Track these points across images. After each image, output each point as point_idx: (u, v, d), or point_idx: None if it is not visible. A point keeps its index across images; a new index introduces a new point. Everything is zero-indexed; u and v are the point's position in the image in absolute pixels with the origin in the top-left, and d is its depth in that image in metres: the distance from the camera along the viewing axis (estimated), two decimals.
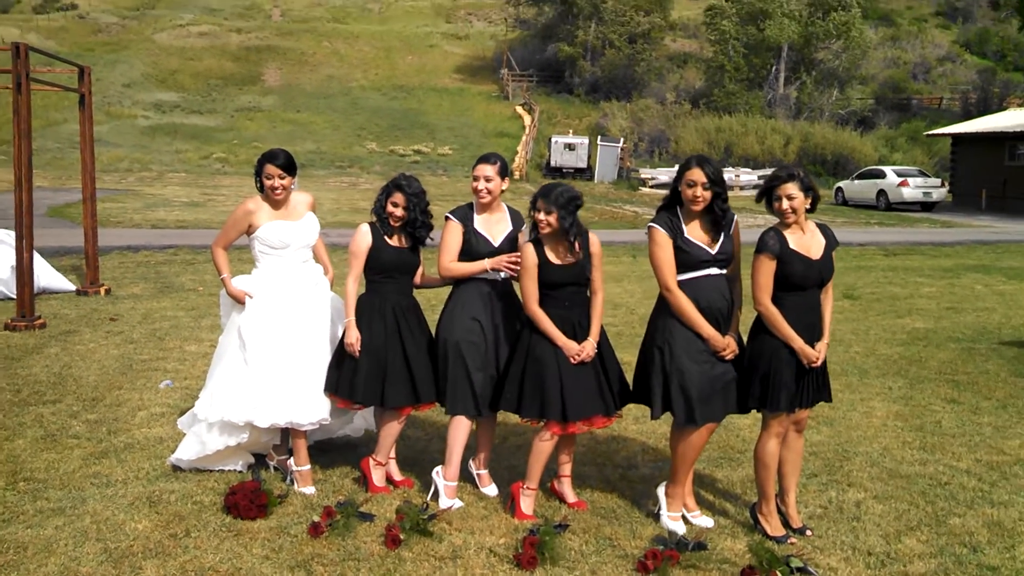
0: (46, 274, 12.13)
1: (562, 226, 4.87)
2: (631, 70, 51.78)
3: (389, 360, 5.22)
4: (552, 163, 40.35)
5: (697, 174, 4.71)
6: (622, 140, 41.46)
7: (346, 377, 5.26)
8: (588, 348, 4.90)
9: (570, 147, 40.26)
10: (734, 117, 43.64)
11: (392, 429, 5.36)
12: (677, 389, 4.73)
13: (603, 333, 5.04)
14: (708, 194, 4.71)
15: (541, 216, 4.89)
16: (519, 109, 52.40)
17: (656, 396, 4.81)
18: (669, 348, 4.76)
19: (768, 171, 38.62)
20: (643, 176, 38.09)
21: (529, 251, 4.93)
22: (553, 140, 41.00)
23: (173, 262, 15.50)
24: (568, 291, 4.93)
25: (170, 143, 44.31)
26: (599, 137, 41.39)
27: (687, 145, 41.29)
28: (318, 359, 5.41)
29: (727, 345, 4.76)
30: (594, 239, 5.01)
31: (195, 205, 26.30)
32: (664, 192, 35.50)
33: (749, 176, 37.69)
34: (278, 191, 5.42)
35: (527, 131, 46.25)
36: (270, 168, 5.38)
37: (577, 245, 4.90)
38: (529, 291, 4.92)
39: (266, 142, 42.38)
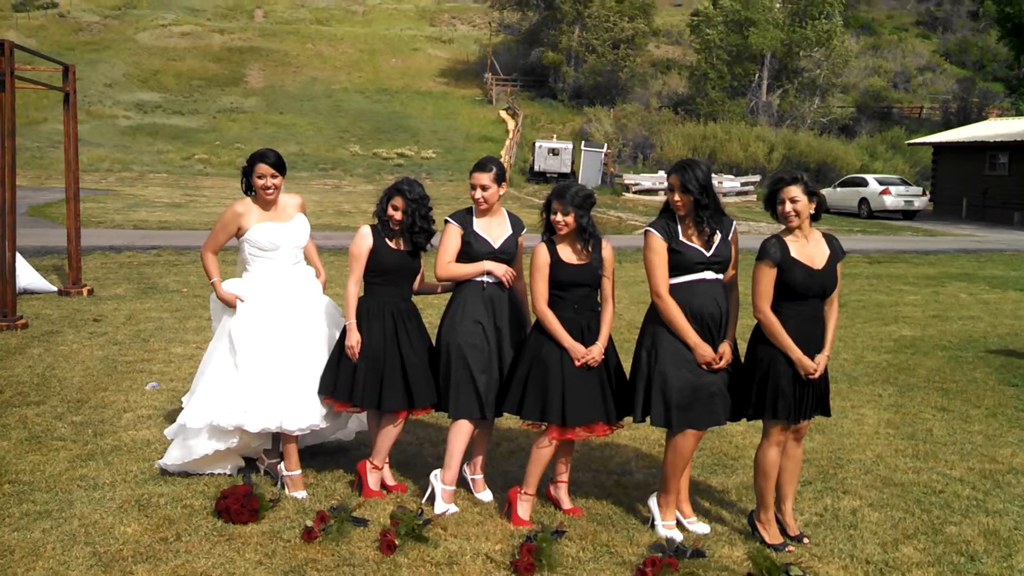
0: (27, 274, 11.96)
1: (579, 224, 4.86)
2: (615, 76, 51.87)
3: (387, 363, 5.18)
4: (536, 168, 40.30)
5: (673, 179, 4.76)
6: (606, 146, 41.48)
7: (344, 380, 5.20)
8: (595, 352, 4.86)
9: (554, 152, 40.24)
10: (718, 124, 43.80)
11: (390, 433, 5.30)
12: (658, 393, 4.73)
13: (611, 342, 5.01)
14: (685, 199, 4.71)
15: (558, 217, 4.87)
16: (503, 113, 52.38)
17: (638, 399, 4.82)
18: (655, 352, 4.76)
19: (751, 178, 38.79)
20: (627, 182, 38.13)
21: (542, 250, 4.91)
22: (537, 145, 40.94)
23: (156, 263, 15.35)
24: (579, 293, 4.90)
25: (151, 143, 43.98)
26: (583, 142, 41.37)
27: (672, 151, 41.35)
28: (310, 363, 5.35)
29: (715, 358, 4.74)
30: (607, 245, 4.99)
31: (177, 206, 26.09)
32: (647, 198, 35.26)
33: (732, 183, 37.78)
34: (270, 191, 5.37)
35: (511, 135, 46.24)
36: (262, 167, 5.34)
37: (592, 245, 4.88)
38: (539, 291, 4.89)
39: (249, 144, 42.13)
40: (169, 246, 17.27)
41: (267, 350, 5.28)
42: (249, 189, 5.47)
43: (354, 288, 5.26)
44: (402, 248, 5.29)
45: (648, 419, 4.84)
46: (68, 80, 12.04)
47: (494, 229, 5.21)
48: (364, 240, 5.24)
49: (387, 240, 5.26)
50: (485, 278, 5.13)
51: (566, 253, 4.92)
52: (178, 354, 8.80)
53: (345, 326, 5.25)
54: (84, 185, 27.66)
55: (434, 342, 5.34)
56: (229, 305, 5.45)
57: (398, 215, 5.22)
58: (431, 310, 8.96)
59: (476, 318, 5.08)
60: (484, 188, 5.12)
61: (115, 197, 27.98)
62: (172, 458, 5.48)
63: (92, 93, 49.63)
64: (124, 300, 11.78)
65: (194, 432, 5.34)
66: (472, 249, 5.13)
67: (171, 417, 6.53)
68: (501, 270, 5.12)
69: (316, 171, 41.11)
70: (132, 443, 6.17)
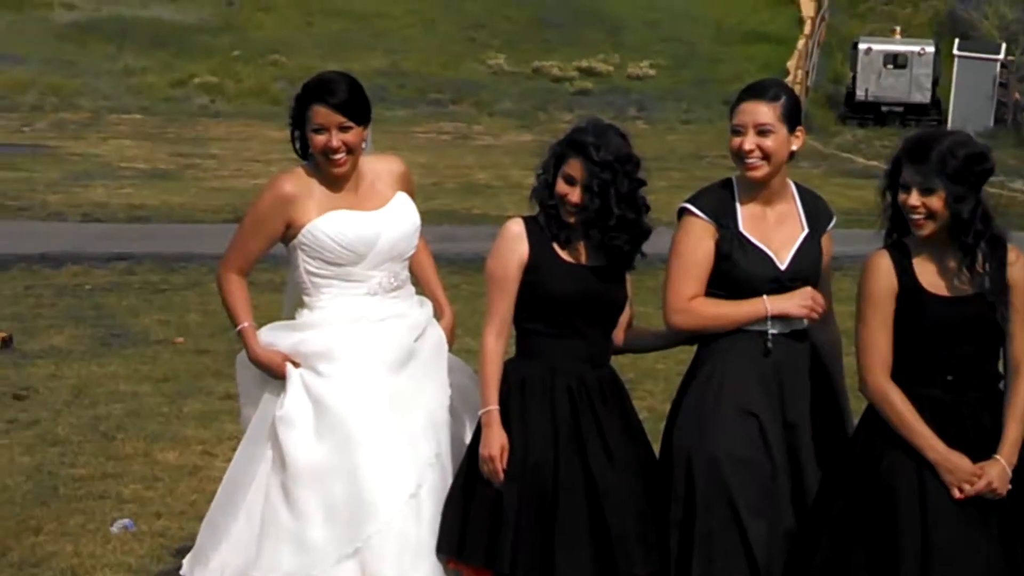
0: None
1: (956, 216, 4.80)
2: None
3: (562, 494, 5.24)
4: (860, 93, 39.90)
5: None
6: (1003, 49, 40.68)
7: (479, 525, 5.29)
8: (994, 477, 4.81)
9: (896, 61, 39.73)
10: None
11: None
12: None
13: None
14: None
15: (913, 200, 4.84)
16: None
17: None
18: None
19: None
20: None
21: (883, 267, 4.90)
22: (861, 48, 40.53)
23: (126, 287, 15.83)
24: (959, 354, 4.88)
25: (114, 56, 45.37)
26: (956, 43, 40.73)
27: None
28: (426, 488, 5.47)
29: None
30: (1017, 255, 4.93)
31: (163, 177, 26.82)
32: None
33: None
34: (339, 156, 5.47)
35: (809, 31, 45.96)
36: (321, 112, 5.42)
37: (982, 259, 4.86)
38: (877, 349, 4.89)
39: (292, 54, 43.25)
40: (149, 254, 17.72)
41: (345, 464, 5.43)
42: (305, 150, 5.67)
43: (497, 344, 5.33)
44: (585, 262, 5.37)
45: None
46: None
47: (776, 227, 5.23)
48: (516, 247, 5.29)
49: (557, 246, 5.33)
50: (769, 326, 5.16)
51: (930, 274, 4.89)
52: (170, 464, 9.08)
53: (480, 417, 5.36)
54: None
55: (658, 450, 5.39)
56: (273, 374, 5.61)
57: (575, 196, 5.27)
58: (649, 383, 8.97)
59: (747, 407, 5.10)
60: (762, 130, 5.10)
61: (48, 159, 28.87)
62: None
63: None
64: (68, 359, 12.18)
65: None
66: (736, 268, 5.15)
67: None
68: (806, 306, 5.13)
69: (423, 107, 41.72)
70: None
